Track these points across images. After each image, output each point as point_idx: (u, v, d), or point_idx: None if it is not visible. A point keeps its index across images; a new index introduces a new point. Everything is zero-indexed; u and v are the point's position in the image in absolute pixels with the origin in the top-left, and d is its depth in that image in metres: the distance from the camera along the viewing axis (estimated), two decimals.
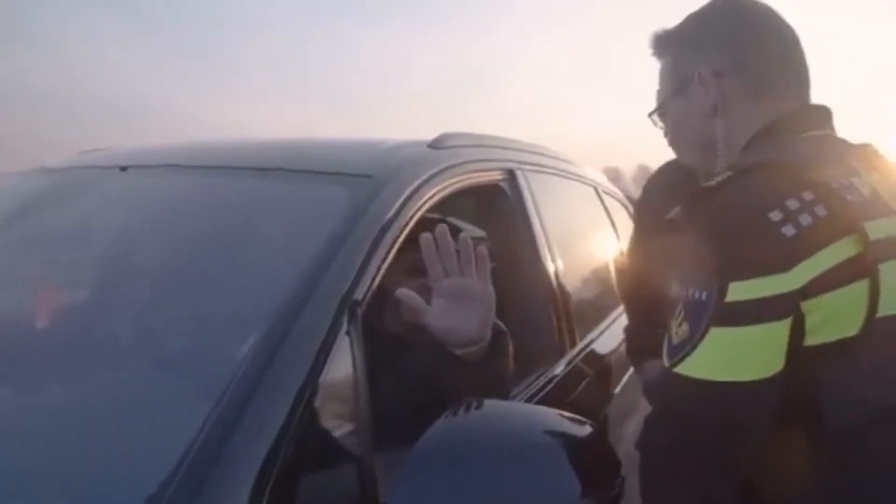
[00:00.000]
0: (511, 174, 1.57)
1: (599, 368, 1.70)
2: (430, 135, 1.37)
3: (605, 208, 2.39)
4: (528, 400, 1.31)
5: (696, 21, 0.99)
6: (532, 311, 1.55)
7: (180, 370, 0.92)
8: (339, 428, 0.86)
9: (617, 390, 1.79)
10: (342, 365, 0.85)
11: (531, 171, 1.69)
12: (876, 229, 0.77)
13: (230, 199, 1.18)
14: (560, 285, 1.62)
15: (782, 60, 0.94)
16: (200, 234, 1.13)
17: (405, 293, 1.05)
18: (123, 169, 1.37)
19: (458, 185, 1.29)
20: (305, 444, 0.78)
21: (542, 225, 1.62)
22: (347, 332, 0.87)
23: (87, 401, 0.87)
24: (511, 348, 1.15)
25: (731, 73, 0.94)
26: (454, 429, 0.81)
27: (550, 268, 1.60)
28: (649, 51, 1.04)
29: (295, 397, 0.78)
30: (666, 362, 0.80)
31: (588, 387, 1.59)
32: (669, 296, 0.82)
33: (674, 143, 1.06)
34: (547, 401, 1.35)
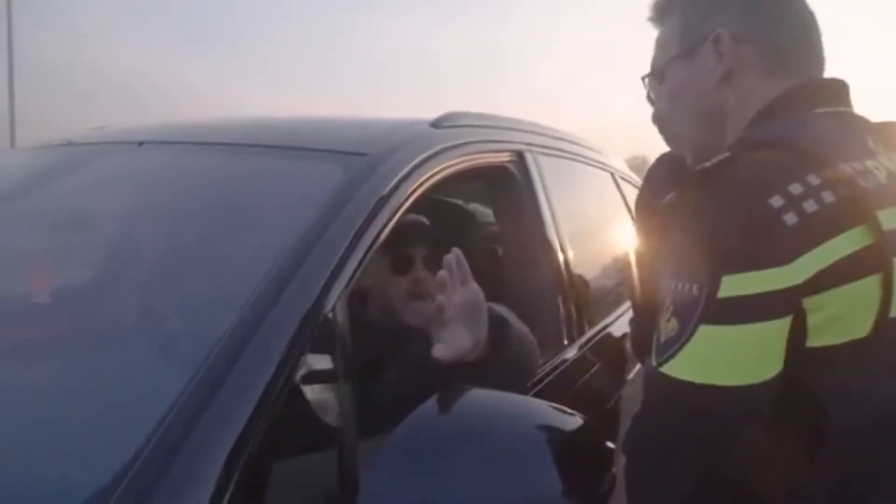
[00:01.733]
0: (520, 156, 1.53)
1: (608, 357, 1.66)
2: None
3: (622, 195, 2.33)
4: (535, 385, 1.28)
5: None
6: (540, 296, 1.52)
7: (158, 346, 0.91)
8: (319, 412, 0.83)
9: (628, 378, 1.75)
10: (324, 348, 0.82)
11: (542, 153, 1.65)
12: (892, 218, 0.70)
13: (222, 176, 1.15)
14: (569, 271, 1.58)
15: (802, 35, 0.87)
16: (193, 211, 1.11)
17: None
18: (140, 144, 1.35)
19: (461, 166, 1.25)
20: (282, 427, 0.75)
21: (551, 209, 1.57)
22: (332, 314, 0.84)
23: (60, 377, 0.86)
24: (515, 329, 1.13)
25: (751, 39, 0.85)
26: (436, 416, 0.77)
27: (559, 253, 1.56)
28: (648, 14, 0.95)
29: (271, 378, 0.76)
30: (653, 361, 0.74)
31: (596, 375, 1.55)
32: (660, 289, 0.76)
33: (669, 115, 0.95)
34: (553, 387, 1.32)
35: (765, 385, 0.68)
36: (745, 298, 0.67)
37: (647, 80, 0.98)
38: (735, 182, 0.72)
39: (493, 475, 0.73)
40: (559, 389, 1.37)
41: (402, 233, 1.04)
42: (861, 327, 0.69)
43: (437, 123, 1.27)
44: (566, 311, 1.55)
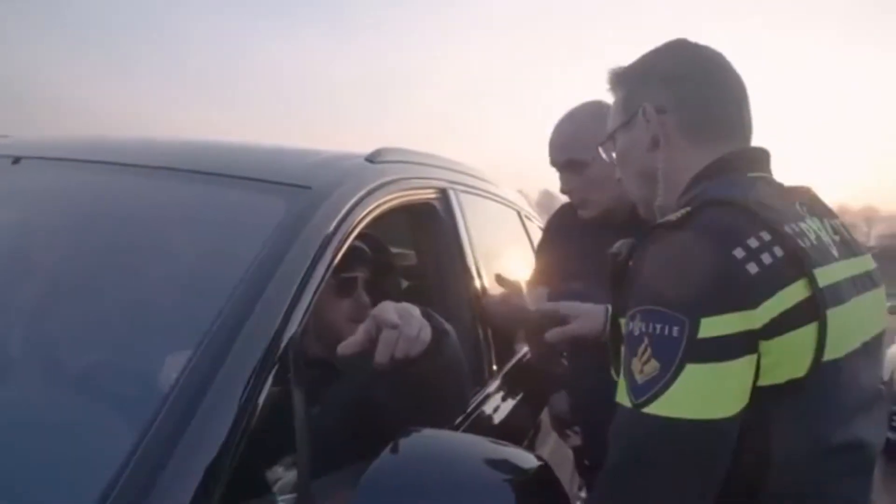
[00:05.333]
0: (444, 193, 1.56)
1: (526, 388, 1.71)
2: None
3: (527, 232, 2.43)
4: (464, 419, 1.29)
5: (649, 58, 1.02)
6: (460, 328, 1.54)
7: (106, 396, 0.84)
8: (276, 457, 0.80)
9: (543, 411, 1.81)
10: (278, 394, 0.79)
11: (462, 191, 1.69)
12: (824, 276, 0.80)
13: (157, 203, 1.08)
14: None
15: (726, 105, 0.97)
16: (124, 243, 1.03)
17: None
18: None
19: (395, 202, 1.26)
20: (240, 473, 0.72)
21: (471, 244, 1.61)
22: (284, 356, 0.81)
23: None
24: (453, 339, 1.11)
25: (673, 109, 0.96)
26: (400, 462, 0.76)
27: (479, 287, 1.59)
28: (605, 86, 1.06)
29: (231, 426, 0.73)
30: (628, 402, 0.77)
31: (515, 407, 1.58)
32: (626, 332, 0.80)
33: (621, 175, 1.06)
34: (475, 421, 1.33)
35: (737, 417, 0.75)
36: (724, 338, 0.74)
37: (603, 146, 1.07)
38: (700, 234, 0.79)
39: None
40: (486, 421, 1.40)
41: (346, 256, 1.03)
42: (800, 368, 0.77)
43: (372, 158, 1.27)
44: (486, 344, 1.59)
